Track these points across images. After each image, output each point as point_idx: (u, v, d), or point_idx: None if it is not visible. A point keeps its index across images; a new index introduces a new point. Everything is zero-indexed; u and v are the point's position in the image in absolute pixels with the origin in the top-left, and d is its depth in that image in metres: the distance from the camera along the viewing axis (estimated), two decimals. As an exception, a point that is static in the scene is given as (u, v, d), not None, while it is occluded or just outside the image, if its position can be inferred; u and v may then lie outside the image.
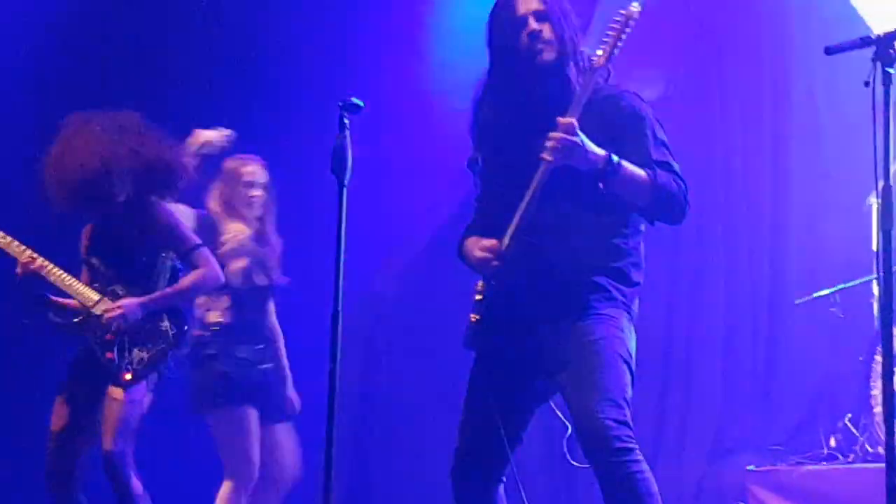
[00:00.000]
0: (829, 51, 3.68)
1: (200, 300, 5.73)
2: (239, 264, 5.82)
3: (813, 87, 8.31)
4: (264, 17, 8.27)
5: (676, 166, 3.86)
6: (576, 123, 3.65)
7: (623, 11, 3.73)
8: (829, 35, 7.75)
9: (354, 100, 4.01)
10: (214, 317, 5.83)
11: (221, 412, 5.78)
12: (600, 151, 3.69)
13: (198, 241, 5.23)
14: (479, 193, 4.07)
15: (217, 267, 5.24)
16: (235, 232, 5.90)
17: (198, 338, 5.68)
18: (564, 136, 3.64)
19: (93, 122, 5.17)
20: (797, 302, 7.72)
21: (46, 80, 7.71)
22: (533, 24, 3.83)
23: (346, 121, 4.01)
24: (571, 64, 3.84)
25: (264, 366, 5.92)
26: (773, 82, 8.34)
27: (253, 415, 5.83)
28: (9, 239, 5.14)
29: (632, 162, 3.76)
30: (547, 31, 3.83)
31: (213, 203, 6.02)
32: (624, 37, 3.71)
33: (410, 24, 8.25)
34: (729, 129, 8.34)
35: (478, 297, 3.90)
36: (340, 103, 4.01)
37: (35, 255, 5.10)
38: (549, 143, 3.66)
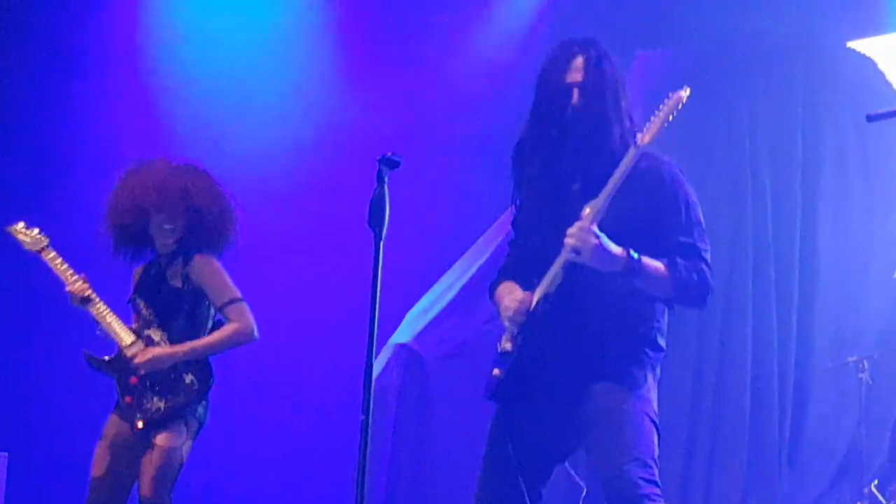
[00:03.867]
0: (870, 118, 3.74)
1: None
2: None
3: (844, 151, 8.35)
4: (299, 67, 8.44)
5: (704, 249, 3.89)
6: (590, 227, 3.69)
7: (672, 94, 3.77)
8: (860, 101, 7.88)
9: (393, 155, 4.06)
10: None
11: None
12: (618, 251, 3.72)
13: (237, 294, 5.22)
14: (513, 239, 4.14)
15: (251, 322, 5.21)
16: None
17: None
18: (583, 236, 3.68)
19: (158, 162, 5.28)
20: (826, 369, 7.74)
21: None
22: (575, 97, 3.89)
23: (385, 175, 4.06)
24: (616, 130, 3.88)
25: None
26: (804, 147, 8.37)
27: None
28: (65, 266, 5.19)
29: (660, 240, 3.82)
30: (587, 103, 3.88)
31: None
32: (671, 118, 3.75)
33: (444, 76, 8.38)
34: (759, 192, 8.36)
35: (502, 350, 3.94)
36: (379, 157, 4.05)
37: (86, 285, 5.14)
38: (567, 241, 3.71)
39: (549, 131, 3.91)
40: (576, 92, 3.89)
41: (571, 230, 3.70)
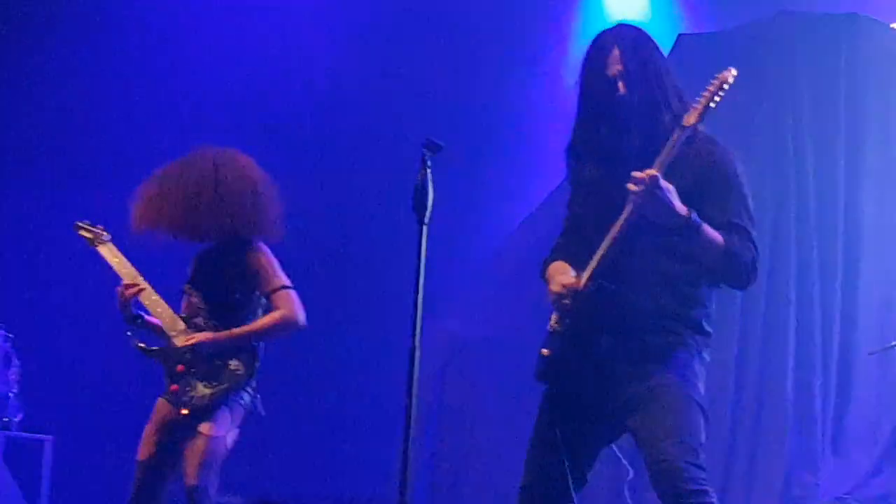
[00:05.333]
0: None
1: None
2: None
3: (888, 128, 8.30)
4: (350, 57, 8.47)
5: (753, 232, 3.89)
6: (659, 176, 3.68)
7: (718, 75, 3.77)
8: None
9: (435, 139, 4.05)
10: None
11: None
12: (682, 208, 3.72)
13: (285, 282, 5.18)
14: (567, 215, 4.13)
15: (297, 310, 5.16)
16: None
17: None
18: (649, 184, 3.67)
19: (201, 154, 5.28)
20: (870, 353, 7.68)
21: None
22: (621, 87, 3.89)
23: (428, 160, 4.05)
24: (666, 112, 3.86)
25: None
26: (847, 124, 8.32)
27: None
28: (120, 257, 5.23)
29: (710, 218, 3.80)
30: (633, 90, 3.87)
31: None
32: (718, 99, 3.75)
33: (487, 63, 8.39)
34: (802, 171, 8.31)
35: (551, 330, 3.93)
36: (423, 142, 4.05)
37: (139, 279, 5.17)
38: (632, 188, 3.70)
39: (599, 126, 3.92)
40: (620, 82, 3.88)
41: (638, 176, 3.67)
